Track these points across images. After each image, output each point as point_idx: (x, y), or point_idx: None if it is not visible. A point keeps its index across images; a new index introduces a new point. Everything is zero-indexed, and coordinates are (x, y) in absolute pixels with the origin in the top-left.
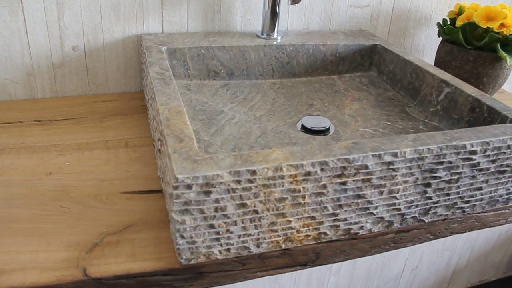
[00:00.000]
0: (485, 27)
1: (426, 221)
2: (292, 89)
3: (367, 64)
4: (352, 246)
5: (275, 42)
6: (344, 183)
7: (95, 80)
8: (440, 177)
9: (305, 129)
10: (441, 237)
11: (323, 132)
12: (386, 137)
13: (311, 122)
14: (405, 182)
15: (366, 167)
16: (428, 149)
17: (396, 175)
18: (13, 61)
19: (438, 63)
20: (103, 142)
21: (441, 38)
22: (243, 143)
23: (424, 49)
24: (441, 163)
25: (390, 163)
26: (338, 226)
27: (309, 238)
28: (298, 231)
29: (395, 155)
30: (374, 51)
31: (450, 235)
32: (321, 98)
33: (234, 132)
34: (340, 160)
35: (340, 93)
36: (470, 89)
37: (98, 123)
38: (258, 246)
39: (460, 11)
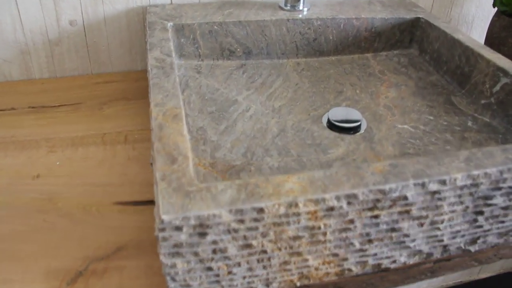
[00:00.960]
0: None
1: (473, 250)
2: (318, 71)
3: (407, 40)
4: (381, 278)
5: (300, 16)
6: (376, 217)
7: (97, 58)
8: (495, 204)
9: (331, 125)
10: (488, 263)
11: (353, 129)
12: (432, 156)
13: (339, 115)
14: (452, 211)
15: (405, 198)
16: (485, 173)
17: (441, 205)
18: (5, 37)
19: (492, 39)
20: (100, 135)
21: (495, 9)
22: (257, 144)
23: (474, 20)
24: (499, 188)
25: (435, 192)
26: (366, 261)
27: (330, 274)
28: (316, 269)
29: (442, 182)
30: (416, 25)
31: (499, 261)
32: (352, 83)
33: (247, 129)
34: (373, 192)
35: (374, 76)
36: None
37: (97, 111)
38: (267, 286)
39: None
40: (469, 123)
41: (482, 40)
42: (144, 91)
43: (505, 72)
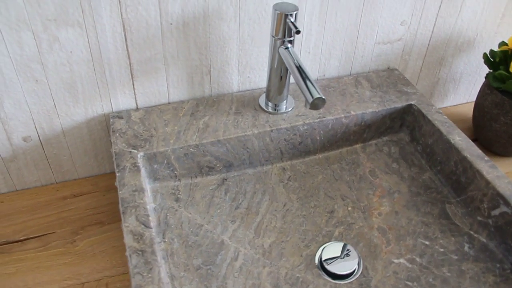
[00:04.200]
0: None
1: None
2: (306, 179)
3: (397, 126)
4: None
5: (283, 122)
6: None
7: (60, 168)
8: None
9: (326, 271)
10: None
11: (349, 275)
12: None
13: (333, 254)
14: None
15: None
16: None
17: None
18: None
19: (482, 113)
20: (79, 286)
21: (482, 65)
22: None
23: (462, 76)
24: None
25: None
26: None
27: None
28: None
29: None
30: (407, 111)
31: None
32: (343, 196)
33: None
34: None
35: (365, 180)
36: None
37: (69, 245)
38: None
39: None
40: (466, 247)
41: (470, 98)
42: (117, 209)
43: (505, 201)
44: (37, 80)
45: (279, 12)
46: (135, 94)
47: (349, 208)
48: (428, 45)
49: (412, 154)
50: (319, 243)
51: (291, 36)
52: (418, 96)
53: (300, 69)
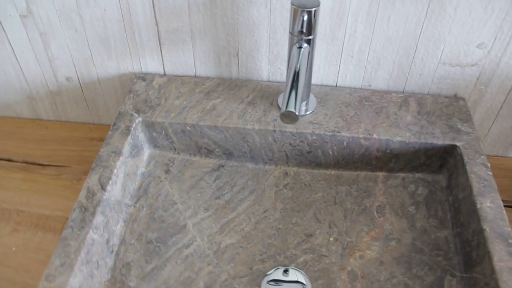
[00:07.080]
0: None
1: None
2: (303, 190)
3: (436, 165)
4: None
5: (290, 126)
6: None
7: (96, 111)
8: None
9: None
10: None
11: None
12: None
13: (280, 282)
14: None
15: None
16: None
17: None
18: (12, 85)
19: None
20: (62, 220)
21: None
22: None
23: None
24: None
25: None
26: None
27: None
28: None
29: None
30: (450, 153)
31: None
32: (332, 223)
33: (172, 277)
34: None
35: (367, 215)
36: None
37: (75, 181)
38: None
39: None
40: None
41: None
42: None
43: None
44: (76, 29)
45: (295, 6)
46: (162, 60)
47: (331, 239)
48: None
49: (441, 203)
50: (276, 262)
51: (309, 35)
52: (470, 139)
53: (295, 75)
